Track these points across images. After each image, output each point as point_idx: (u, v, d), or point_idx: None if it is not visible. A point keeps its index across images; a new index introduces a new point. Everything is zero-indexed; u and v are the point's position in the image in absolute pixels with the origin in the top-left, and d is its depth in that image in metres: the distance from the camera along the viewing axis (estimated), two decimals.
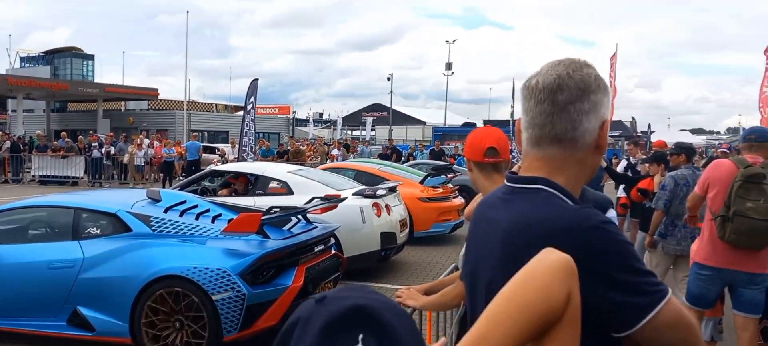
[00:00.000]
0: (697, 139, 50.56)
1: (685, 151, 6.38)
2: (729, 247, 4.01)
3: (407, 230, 8.82)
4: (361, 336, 0.68)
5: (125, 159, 21.40)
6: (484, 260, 1.30)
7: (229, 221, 5.24)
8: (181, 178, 22.65)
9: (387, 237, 7.77)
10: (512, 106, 17.52)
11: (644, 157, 8.47)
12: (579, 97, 1.24)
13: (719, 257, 4.11)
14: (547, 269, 0.91)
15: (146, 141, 22.87)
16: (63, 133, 24.34)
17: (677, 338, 1.12)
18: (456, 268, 3.92)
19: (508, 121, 17.47)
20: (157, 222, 5.18)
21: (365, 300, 0.72)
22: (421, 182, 10.36)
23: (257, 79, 17.24)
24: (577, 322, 0.93)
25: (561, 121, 1.25)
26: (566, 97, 1.24)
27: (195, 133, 24.73)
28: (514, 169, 1.62)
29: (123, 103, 47.12)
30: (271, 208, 5.39)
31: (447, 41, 50.74)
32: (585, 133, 1.25)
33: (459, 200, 10.86)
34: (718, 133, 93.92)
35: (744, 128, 26.19)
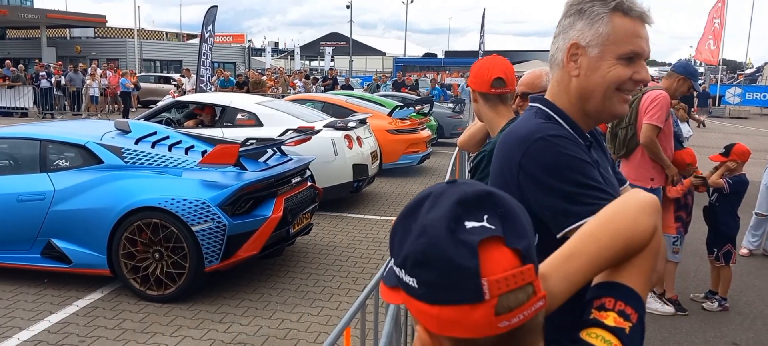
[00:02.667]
0: (650, 71, 51.54)
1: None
2: None
3: (378, 162, 8.88)
4: (486, 216, 0.76)
5: (75, 89, 20.57)
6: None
7: (203, 152, 5.17)
8: (137, 109, 22.00)
9: (359, 169, 7.82)
10: (482, 38, 17.36)
11: None
12: (559, 23, 1.36)
13: None
14: (638, 204, 1.00)
15: (99, 70, 21.99)
16: (7, 61, 23.09)
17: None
18: None
19: (476, 52, 17.34)
20: (129, 153, 5.07)
21: (493, 189, 0.80)
22: (389, 114, 10.35)
23: (216, 6, 16.54)
24: (657, 255, 1.01)
25: (553, 45, 1.38)
26: (564, 20, 1.35)
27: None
28: None
29: (68, 30, 44.75)
30: (247, 139, 5.33)
31: None
32: (555, 55, 1.36)
33: (427, 132, 10.94)
34: (670, 64, 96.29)
35: (695, 60, 27.04)
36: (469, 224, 0.75)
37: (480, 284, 0.72)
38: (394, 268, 0.79)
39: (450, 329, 0.75)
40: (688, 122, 8.59)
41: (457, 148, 3.57)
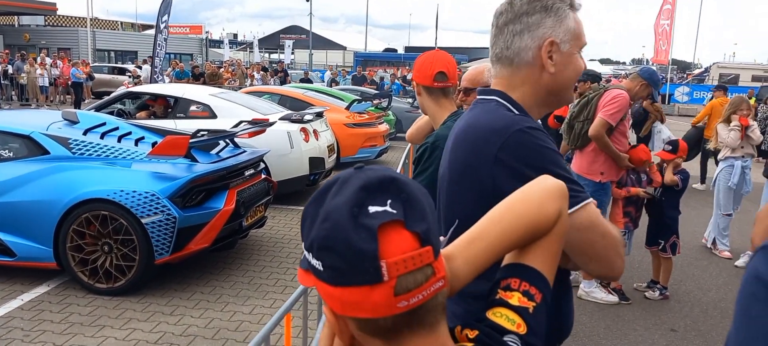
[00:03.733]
0: (604, 69, 52.95)
1: (591, 78, 6.92)
2: None
3: (335, 155, 8.89)
4: (389, 201, 0.79)
5: (22, 79, 19.87)
6: (443, 162, 1.46)
7: (153, 143, 5.10)
8: (89, 100, 21.39)
9: (315, 162, 7.82)
10: (436, 33, 17.47)
11: None
12: (512, 19, 1.35)
13: None
14: (543, 189, 1.03)
15: (49, 60, 21.27)
16: None
17: (585, 241, 1.22)
18: None
19: (432, 48, 17.48)
20: (77, 144, 4.96)
21: (397, 175, 0.83)
22: (347, 108, 10.37)
23: None
24: (562, 239, 1.05)
25: (498, 42, 1.39)
26: (505, 19, 1.37)
27: None
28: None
29: (16, 17, 43.07)
30: (198, 130, 5.27)
31: None
32: (522, 52, 1.35)
33: (384, 126, 11.00)
34: (624, 63, 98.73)
35: (647, 59, 27.77)
36: (372, 209, 0.78)
37: (378, 266, 0.75)
38: (304, 251, 0.82)
39: (352, 309, 0.78)
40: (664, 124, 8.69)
41: (408, 143, 3.63)
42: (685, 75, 48.84)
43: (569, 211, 1.16)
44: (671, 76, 34.46)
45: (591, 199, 1.24)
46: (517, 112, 1.35)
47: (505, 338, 0.91)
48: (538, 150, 1.24)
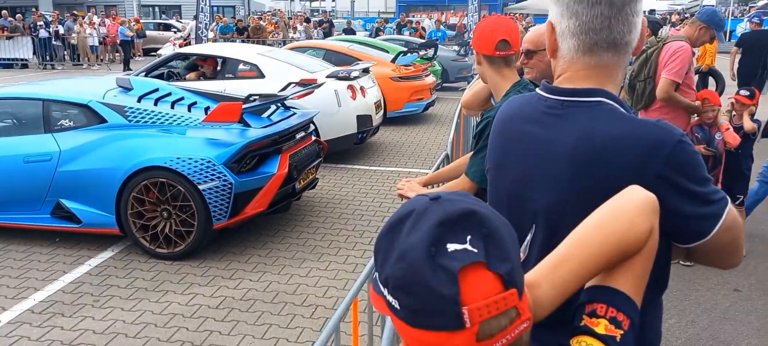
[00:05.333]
0: (660, 5, 50.48)
1: (652, 26, 6.48)
2: None
3: (382, 111, 8.83)
4: (469, 238, 0.75)
5: (73, 40, 20.33)
6: (541, 182, 1.22)
7: (206, 108, 5.15)
8: (139, 58, 21.81)
9: (363, 120, 7.78)
10: None
11: None
12: None
13: None
14: (635, 205, 0.95)
15: (96, 19, 21.66)
16: (4, 11, 22.77)
17: (730, 239, 1.15)
18: (447, 157, 4.00)
19: None
20: (132, 112, 5.05)
21: (478, 207, 0.78)
22: (393, 61, 10.23)
23: None
24: (652, 258, 0.98)
25: (619, 24, 1.16)
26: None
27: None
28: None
29: None
30: (250, 95, 5.29)
31: None
32: (637, 36, 1.20)
33: (431, 78, 10.83)
34: None
35: None
36: (451, 247, 0.74)
37: (460, 312, 0.72)
38: (379, 283, 0.78)
39: None
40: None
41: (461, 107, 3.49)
42: (748, 7, 46.11)
43: (723, 217, 1.12)
44: (732, 10, 32.59)
45: (727, 198, 1.17)
46: (626, 111, 1.19)
47: None
48: (697, 160, 1.14)
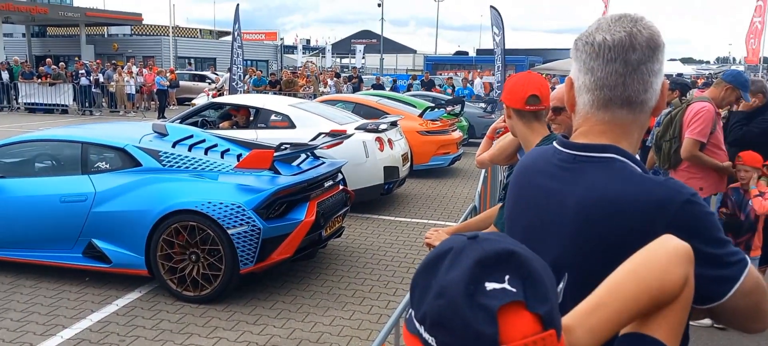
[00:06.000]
0: (687, 69, 50.47)
1: (680, 87, 6.47)
2: None
3: (409, 164, 8.90)
4: (507, 278, 0.75)
5: (112, 88, 21.07)
6: (546, 234, 1.23)
7: (238, 156, 5.27)
8: (173, 107, 22.42)
9: (389, 171, 7.85)
10: (496, 35, 17.00)
11: None
12: (650, 56, 1.17)
13: None
14: (668, 253, 0.95)
15: (135, 69, 22.45)
16: (48, 59, 23.78)
17: (751, 304, 1.11)
18: (475, 208, 4.01)
19: (504, 50, 17.08)
20: (167, 157, 5.19)
21: (516, 247, 0.79)
22: (420, 115, 10.36)
23: (238, 4, 16.75)
24: (689, 305, 0.97)
25: (634, 83, 1.17)
26: (639, 56, 1.16)
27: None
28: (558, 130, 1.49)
29: (105, 28, 45.81)
30: (281, 144, 5.40)
31: None
32: (653, 96, 1.20)
33: (458, 134, 10.91)
34: (708, 62, 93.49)
35: (734, 58, 26.21)
36: (489, 286, 0.75)
37: None
38: (414, 321, 0.79)
39: None
40: None
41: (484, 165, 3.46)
42: None
43: (740, 280, 1.09)
44: (762, 76, 32.39)
45: (748, 258, 1.14)
46: (640, 169, 1.19)
47: None
48: (710, 221, 1.11)
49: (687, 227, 1.08)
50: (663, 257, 0.95)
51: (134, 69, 22.31)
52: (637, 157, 1.27)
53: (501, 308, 0.73)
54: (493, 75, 18.69)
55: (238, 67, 18.09)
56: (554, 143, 1.31)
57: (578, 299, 1.01)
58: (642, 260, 0.96)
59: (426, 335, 0.76)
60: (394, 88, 20.45)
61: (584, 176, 1.19)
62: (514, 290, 0.74)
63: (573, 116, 1.29)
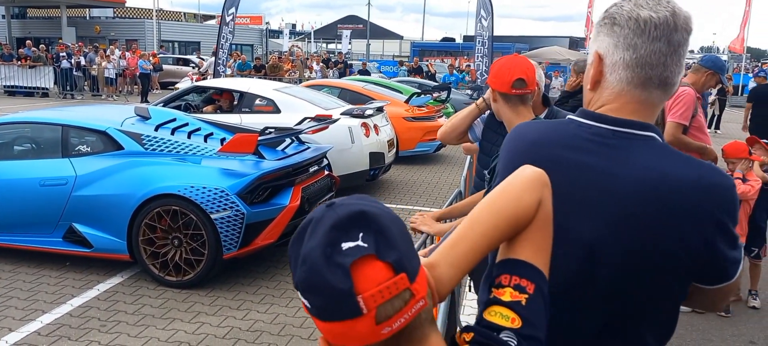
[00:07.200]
0: None
1: None
2: None
3: (395, 150, 8.88)
4: (360, 235, 0.83)
5: (94, 71, 20.76)
6: (585, 213, 1.16)
7: (222, 140, 5.21)
8: (157, 91, 22.16)
9: (375, 157, 7.83)
10: (484, 19, 16.94)
11: None
12: (686, 39, 1.16)
13: None
14: (521, 181, 1.03)
15: (117, 52, 22.12)
16: (28, 41, 23.33)
17: (727, 292, 1.22)
18: (460, 194, 4.00)
19: (493, 36, 17.06)
20: (149, 140, 5.12)
21: (367, 207, 0.87)
22: (407, 101, 10.32)
23: None
24: (548, 226, 1.03)
25: (673, 64, 1.16)
26: (680, 37, 1.15)
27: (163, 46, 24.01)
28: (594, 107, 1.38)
29: (87, 10, 45.04)
30: (266, 128, 5.35)
31: None
32: (680, 79, 1.20)
33: (443, 120, 10.89)
34: (693, 51, 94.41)
35: (718, 47, 26.61)
36: (345, 246, 0.83)
37: (356, 302, 0.81)
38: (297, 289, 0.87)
39: (342, 339, 0.85)
40: None
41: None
42: (759, 63, 46.31)
43: (741, 264, 1.17)
44: (745, 66, 32.72)
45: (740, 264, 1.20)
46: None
47: (501, 335, 0.93)
48: (738, 206, 1.18)
49: (728, 210, 1.12)
50: (517, 184, 1.02)
51: (117, 53, 21.98)
52: None
53: (354, 263, 0.81)
54: (475, 62, 18.66)
55: (223, 52, 17.88)
56: (574, 117, 1.24)
57: (617, 281, 1.11)
58: (498, 190, 1.04)
59: (303, 299, 0.86)
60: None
61: (631, 153, 1.15)
62: (365, 245, 0.83)
63: (591, 93, 1.24)
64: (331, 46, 56.62)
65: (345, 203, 0.88)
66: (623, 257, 1.13)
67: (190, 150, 5.08)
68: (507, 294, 0.97)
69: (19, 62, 20.97)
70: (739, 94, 27.34)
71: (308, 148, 5.76)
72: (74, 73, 20.67)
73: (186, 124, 5.39)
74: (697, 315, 4.64)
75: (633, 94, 1.18)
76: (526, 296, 0.96)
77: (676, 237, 1.11)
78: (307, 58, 26.64)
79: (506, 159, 1.27)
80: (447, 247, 1.01)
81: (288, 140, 5.70)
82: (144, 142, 5.10)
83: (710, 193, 1.11)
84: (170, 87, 21.85)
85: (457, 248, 0.99)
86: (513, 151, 1.26)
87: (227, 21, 16.05)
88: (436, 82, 18.78)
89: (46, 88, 20.71)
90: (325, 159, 5.89)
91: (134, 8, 48.17)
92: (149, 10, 42.75)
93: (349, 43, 39.47)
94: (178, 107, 8.43)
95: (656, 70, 1.16)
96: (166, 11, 52.60)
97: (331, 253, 0.82)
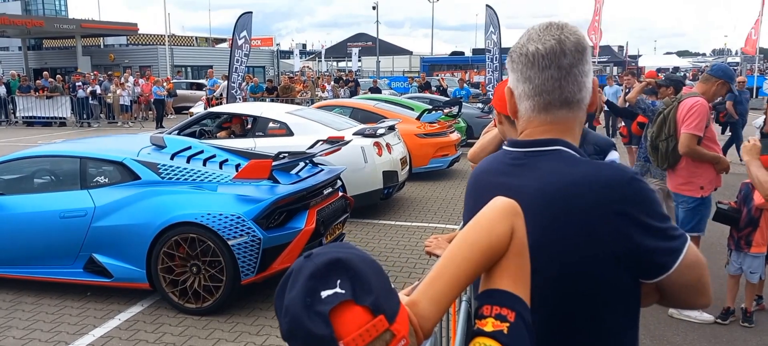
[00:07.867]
0: (683, 63, 50.54)
1: (674, 84, 6.55)
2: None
3: (408, 167, 8.90)
4: (338, 282, 0.86)
5: (109, 99, 21.07)
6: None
7: (236, 165, 5.28)
8: (171, 116, 22.43)
9: (388, 175, 7.85)
10: (493, 33, 17.11)
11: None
12: (579, 59, 1.27)
13: None
14: (491, 211, 1.05)
15: (131, 79, 22.44)
16: (45, 72, 23.76)
17: (694, 277, 1.22)
18: None
19: (500, 49, 17.18)
20: (165, 169, 5.19)
21: (342, 254, 0.90)
22: (418, 118, 10.36)
23: (250, 13, 16.60)
24: (524, 253, 1.06)
25: (569, 85, 1.27)
26: (569, 60, 1.26)
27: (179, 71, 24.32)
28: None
29: (101, 39, 45.84)
30: (280, 153, 5.41)
31: None
32: (587, 93, 1.31)
33: (456, 135, 10.92)
34: (704, 54, 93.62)
35: (730, 50, 26.43)
36: (324, 293, 0.86)
37: None
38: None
39: None
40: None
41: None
42: None
43: (683, 252, 1.20)
44: (758, 67, 32.43)
45: (687, 236, 1.24)
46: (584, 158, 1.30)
47: None
48: (653, 197, 1.22)
49: (634, 201, 1.19)
50: (488, 216, 1.05)
51: (130, 79, 22.31)
52: (585, 133, 1.38)
53: (333, 310, 0.84)
54: (487, 76, 18.69)
55: (238, 75, 18.06)
56: (504, 146, 1.41)
57: (541, 283, 1.15)
58: (471, 224, 1.06)
59: None
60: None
61: (538, 167, 1.28)
62: (343, 291, 0.86)
63: (517, 121, 1.39)
64: (342, 63, 56.97)
65: (322, 252, 0.91)
66: (548, 262, 1.20)
67: (206, 177, 5.14)
68: (489, 324, 0.99)
69: (37, 93, 21.36)
70: (755, 96, 27.05)
71: (322, 170, 5.80)
72: (90, 102, 20.99)
73: (201, 152, 5.47)
74: (719, 326, 4.59)
75: (540, 119, 1.31)
76: (508, 324, 0.98)
77: (585, 232, 1.19)
78: (319, 78, 26.84)
79: (466, 191, 1.49)
80: (427, 283, 1.03)
81: (302, 164, 5.75)
82: (160, 171, 5.17)
83: (610, 186, 1.19)
84: (184, 112, 22.11)
85: (436, 283, 1.02)
86: (468, 184, 1.50)
87: (240, 44, 16.18)
88: (448, 96, 18.83)
89: (64, 118, 21.06)
90: (339, 180, 5.93)
91: (147, 35, 48.99)
92: (162, 36, 43.46)
93: (359, 60, 39.71)
94: (192, 134, 8.53)
95: (554, 95, 1.28)
96: (179, 36, 53.41)
97: (311, 302, 0.85)
